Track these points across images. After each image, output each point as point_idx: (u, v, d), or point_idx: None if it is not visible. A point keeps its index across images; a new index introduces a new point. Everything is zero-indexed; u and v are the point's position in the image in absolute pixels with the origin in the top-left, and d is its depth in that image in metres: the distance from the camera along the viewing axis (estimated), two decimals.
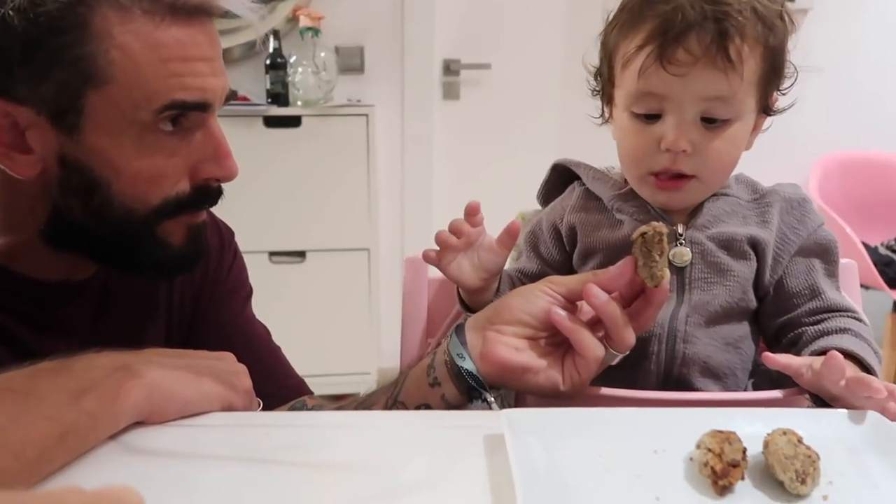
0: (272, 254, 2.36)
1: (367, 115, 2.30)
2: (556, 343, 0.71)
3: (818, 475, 0.53)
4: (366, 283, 2.42)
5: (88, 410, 0.56)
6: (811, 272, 0.78)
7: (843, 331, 0.73)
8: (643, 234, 0.65)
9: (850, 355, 0.69)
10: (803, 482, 0.52)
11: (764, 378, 0.81)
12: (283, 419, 0.72)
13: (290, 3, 2.36)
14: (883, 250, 2.55)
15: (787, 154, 2.32)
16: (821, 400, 0.67)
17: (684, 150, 0.73)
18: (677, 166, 0.75)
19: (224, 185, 0.74)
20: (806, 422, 0.59)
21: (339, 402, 0.82)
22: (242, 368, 0.72)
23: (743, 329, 0.79)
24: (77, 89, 0.63)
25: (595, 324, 0.70)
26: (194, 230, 0.74)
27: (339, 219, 2.37)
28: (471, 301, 0.81)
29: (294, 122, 2.29)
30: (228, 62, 0.70)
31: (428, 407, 0.72)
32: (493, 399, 0.70)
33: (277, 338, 0.95)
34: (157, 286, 0.84)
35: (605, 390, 0.71)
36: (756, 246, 0.78)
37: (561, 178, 0.90)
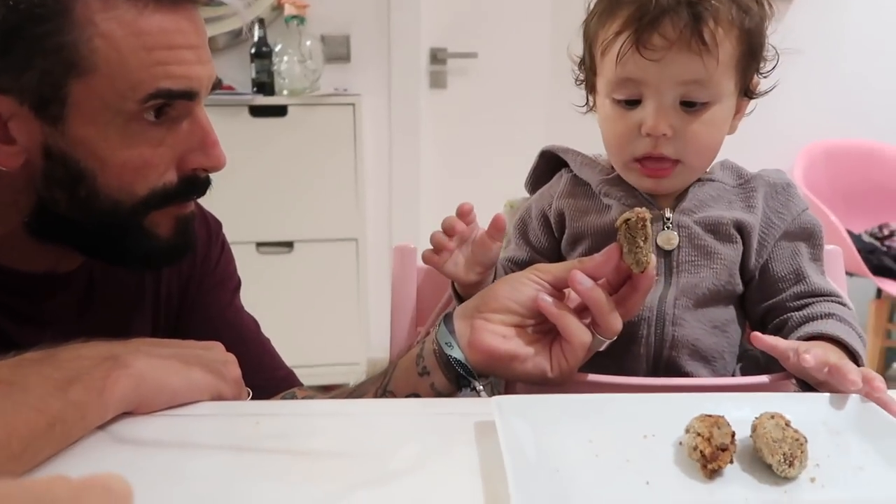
0: (259, 244, 2.35)
1: (353, 105, 2.29)
2: (543, 330, 0.71)
3: (806, 458, 0.53)
4: (354, 273, 2.42)
5: (75, 401, 0.55)
6: (796, 256, 0.79)
7: (828, 315, 0.74)
8: (627, 221, 0.65)
9: (835, 340, 0.70)
10: (791, 465, 0.52)
11: (751, 363, 0.82)
12: (272, 408, 0.72)
13: None
14: (867, 238, 2.57)
15: (773, 142, 2.34)
16: (806, 384, 0.68)
17: (664, 133, 0.74)
18: (659, 150, 0.76)
19: (211, 176, 0.74)
20: (793, 406, 0.60)
21: (329, 393, 0.82)
22: (231, 358, 0.71)
23: (729, 313, 0.80)
24: (60, 79, 0.62)
25: (582, 311, 0.70)
26: (182, 221, 0.74)
27: (326, 209, 2.36)
28: (466, 295, 0.81)
29: (280, 111, 2.27)
30: (213, 51, 0.69)
31: (418, 396, 0.72)
32: (481, 387, 0.71)
33: (265, 328, 0.94)
34: (144, 278, 0.83)
35: (593, 377, 0.71)
36: (742, 230, 0.78)
37: (549, 165, 0.91)
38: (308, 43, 2.32)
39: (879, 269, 2.44)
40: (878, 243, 2.54)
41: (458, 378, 0.70)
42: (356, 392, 0.77)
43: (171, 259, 0.77)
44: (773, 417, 0.56)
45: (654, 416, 0.59)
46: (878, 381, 0.63)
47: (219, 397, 0.67)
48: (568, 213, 0.83)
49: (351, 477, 0.53)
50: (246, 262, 0.93)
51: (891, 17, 2.71)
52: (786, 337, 0.74)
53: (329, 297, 2.43)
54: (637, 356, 0.78)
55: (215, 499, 0.51)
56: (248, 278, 0.96)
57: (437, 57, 2.62)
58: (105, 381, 0.58)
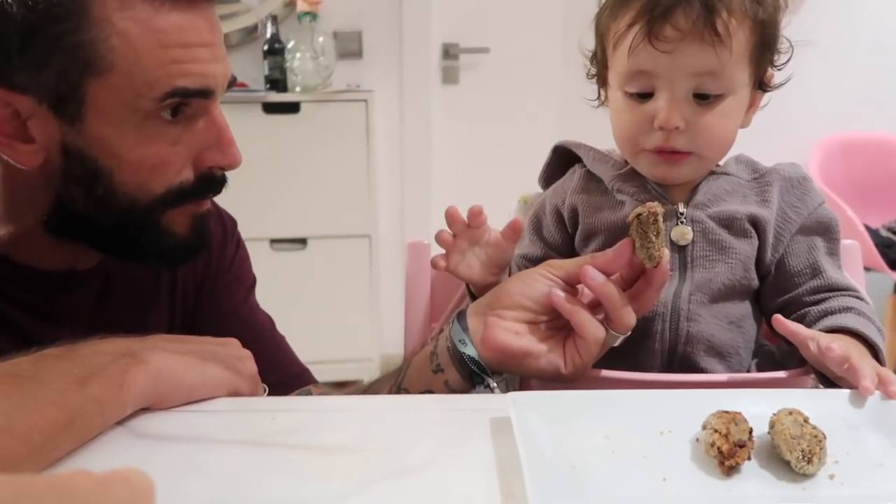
0: (273, 241, 2.36)
1: (366, 101, 2.30)
2: (556, 327, 0.71)
3: (824, 455, 0.53)
4: (367, 269, 2.42)
5: (94, 396, 0.56)
6: (812, 250, 0.78)
7: (847, 309, 0.73)
8: (638, 216, 0.65)
9: (854, 333, 0.69)
10: (809, 462, 0.52)
11: (766, 358, 0.81)
12: (288, 404, 0.72)
13: None
14: (884, 232, 2.55)
15: (789, 135, 2.32)
16: (827, 378, 0.67)
17: (677, 126, 0.74)
18: (671, 143, 0.75)
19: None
20: (811, 402, 0.59)
21: (343, 390, 0.82)
22: (247, 353, 0.72)
23: (745, 308, 0.79)
24: (77, 77, 0.62)
25: (595, 306, 0.70)
26: (198, 219, 0.74)
27: (339, 205, 2.37)
28: (480, 293, 0.81)
29: (293, 107, 2.28)
30: (227, 48, 0.70)
31: (432, 394, 0.72)
32: (495, 384, 0.71)
33: (279, 325, 0.95)
34: (160, 276, 0.84)
35: (607, 373, 0.71)
36: (757, 224, 0.78)
37: (562, 160, 0.90)
38: (320, 39, 2.33)
39: None
40: (895, 237, 2.52)
41: (472, 375, 0.70)
42: (370, 390, 0.77)
43: (187, 257, 0.78)
44: (791, 413, 0.55)
45: (671, 413, 0.59)
46: (894, 385, 0.61)
47: (235, 393, 0.67)
48: (581, 208, 0.83)
49: (366, 472, 0.54)
50: (260, 258, 0.94)
51: None
52: None
53: (342, 293, 2.44)
54: (651, 352, 0.77)
55: (232, 493, 0.52)
56: (262, 275, 0.96)
57: (449, 52, 2.62)
58: (123, 377, 0.58)
